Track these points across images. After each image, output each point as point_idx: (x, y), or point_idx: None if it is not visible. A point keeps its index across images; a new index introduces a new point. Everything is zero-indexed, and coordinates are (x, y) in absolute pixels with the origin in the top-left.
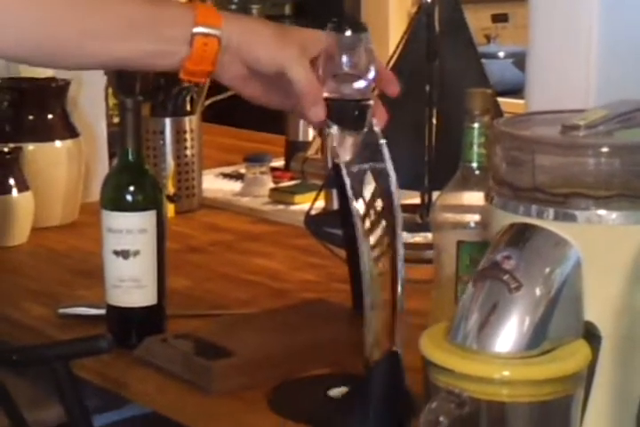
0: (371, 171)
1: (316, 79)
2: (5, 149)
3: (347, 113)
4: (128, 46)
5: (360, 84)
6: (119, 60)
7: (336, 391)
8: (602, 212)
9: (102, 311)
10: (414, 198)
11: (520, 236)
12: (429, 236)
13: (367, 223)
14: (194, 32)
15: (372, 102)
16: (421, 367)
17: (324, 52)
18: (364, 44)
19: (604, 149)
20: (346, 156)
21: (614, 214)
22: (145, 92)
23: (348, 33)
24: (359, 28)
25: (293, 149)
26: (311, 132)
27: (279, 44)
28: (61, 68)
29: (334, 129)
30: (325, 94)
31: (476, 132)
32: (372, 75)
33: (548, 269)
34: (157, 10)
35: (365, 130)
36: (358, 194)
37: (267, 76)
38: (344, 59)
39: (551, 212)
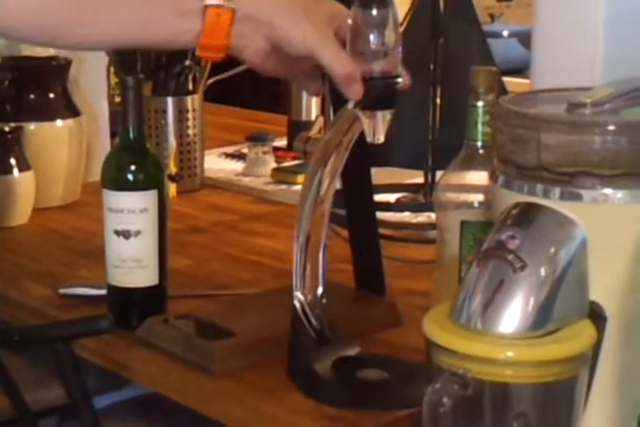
0: None
1: (349, 58)
2: (6, 129)
3: (378, 92)
4: (143, 22)
5: (389, 61)
6: (133, 40)
7: (367, 373)
8: (608, 191)
9: (103, 292)
10: (418, 178)
11: (525, 215)
12: (433, 216)
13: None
14: (206, 3)
15: (401, 80)
16: (424, 348)
17: (350, 30)
18: (391, 20)
19: (611, 128)
20: (380, 135)
21: (620, 193)
22: (146, 70)
23: (375, 10)
24: (385, 4)
25: (296, 128)
26: (314, 112)
27: (310, 24)
28: (69, 48)
29: (362, 110)
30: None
31: (480, 111)
32: (400, 51)
33: (553, 249)
34: None
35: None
36: None
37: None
38: (372, 36)
39: (556, 191)
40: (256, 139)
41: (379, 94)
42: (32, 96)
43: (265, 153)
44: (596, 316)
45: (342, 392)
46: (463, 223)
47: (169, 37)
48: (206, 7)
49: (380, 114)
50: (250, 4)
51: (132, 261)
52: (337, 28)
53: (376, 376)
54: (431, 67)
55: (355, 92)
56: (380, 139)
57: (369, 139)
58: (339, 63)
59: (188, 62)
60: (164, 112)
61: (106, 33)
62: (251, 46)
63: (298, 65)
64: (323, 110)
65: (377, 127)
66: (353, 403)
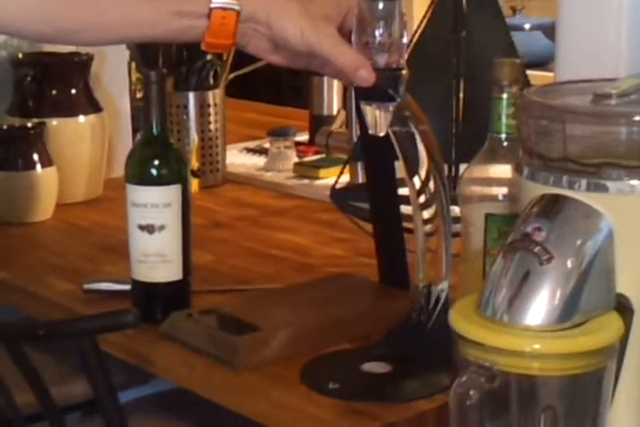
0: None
1: (350, 46)
2: (29, 125)
3: (381, 84)
4: (147, 22)
5: (393, 53)
6: (137, 37)
7: (371, 366)
8: (634, 182)
9: (127, 287)
10: None
11: (551, 207)
12: (456, 209)
13: (422, 198)
14: (212, 6)
15: (405, 72)
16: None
17: (356, 21)
18: (397, 12)
19: (637, 118)
20: (383, 128)
21: None
22: (168, 65)
23: (381, 2)
24: None
25: (318, 123)
26: (335, 106)
27: (305, 20)
28: (78, 45)
29: (366, 103)
30: None
31: (504, 103)
32: (405, 42)
33: (579, 241)
34: None
35: (399, 100)
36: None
37: None
38: (377, 28)
39: (582, 182)
40: (278, 133)
41: (382, 86)
42: (54, 92)
43: (287, 148)
44: (623, 308)
45: (350, 386)
46: (487, 216)
47: (174, 36)
48: (211, 10)
49: (382, 106)
50: (250, 5)
51: (156, 255)
52: (345, 16)
53: (381, 369)
54: (454, 60)
55: (362, 78)
56: (382, 131)
57: (370, 131)
58: (338, 53)
59: (209, 57)
60: (186, 107)
61: (111, 30)
62: (252, 43)
63: (315, 58)
64: (344, 105)
65: (379, 119)
66: (362, 396)
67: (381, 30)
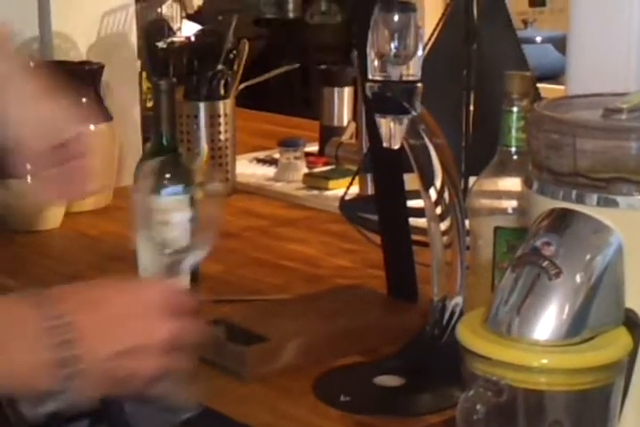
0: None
1: None
2: None
3: (395, 97)
4: None
5: (409, 65)
6: None
7: (383, 379)
8: None
9: None
10: None
11: (560, 221)
12: (466, 222)
13: (438, 210)
14: None
15: (420, 85)
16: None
17: (372, 33)
18: (413, 24)
19: None
20: (397, 141)
21: None
22: (178, 75)
23: (397, 14)
24: (408, 8)
25: (328, 133)
26: (346, 117)
27: None
28: None
29: (381, 115)
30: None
31: (514, 116)
32: (420, 55)
33: (588, 256)
34: None
35: (414, 114)
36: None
37: None
38: (392, 40)
39: (592, 197)
40: (287, 144)
41: (396, 99)
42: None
43: (296, 158)
44: (632, 323)
45: (361, 399)
46: (497, 229)
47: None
48: None
49: (396, 118)
50: None
51: None
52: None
53: (393, 382)
54: (464, 72)
55: None
56: (397, 143)
57: (385, 143)
58: None
59: (220, 67)
60: (196, 117)
61: None
62: None
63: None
64: (355, 116)
65: (394, 132)
66: (375, 410)
67: (396, 43)
